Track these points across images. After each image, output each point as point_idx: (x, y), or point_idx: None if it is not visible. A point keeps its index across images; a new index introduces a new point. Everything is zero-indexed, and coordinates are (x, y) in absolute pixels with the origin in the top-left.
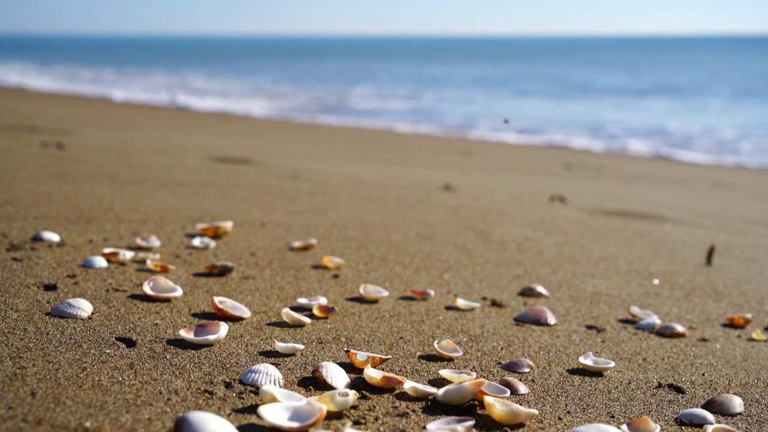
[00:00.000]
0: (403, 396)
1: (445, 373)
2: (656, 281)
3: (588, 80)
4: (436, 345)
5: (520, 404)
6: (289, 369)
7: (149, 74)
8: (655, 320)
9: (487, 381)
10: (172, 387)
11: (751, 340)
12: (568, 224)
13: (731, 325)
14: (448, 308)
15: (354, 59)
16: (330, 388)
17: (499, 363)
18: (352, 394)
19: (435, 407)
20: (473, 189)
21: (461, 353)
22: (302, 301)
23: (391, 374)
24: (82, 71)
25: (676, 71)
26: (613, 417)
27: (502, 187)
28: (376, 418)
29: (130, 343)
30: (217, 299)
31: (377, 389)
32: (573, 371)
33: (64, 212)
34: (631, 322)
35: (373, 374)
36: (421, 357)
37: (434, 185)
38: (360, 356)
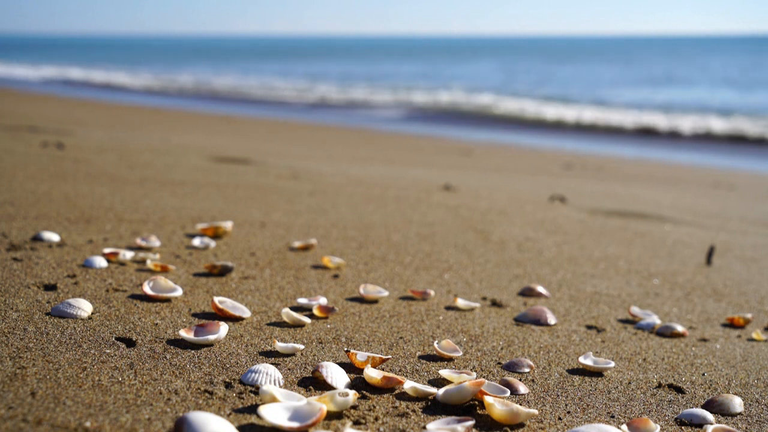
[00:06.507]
0: (403, 396)
1: (445, 373)
2: (656, 281)
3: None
4: (436, 345)
5: (520, 404)
6: (289, 369)
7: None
8: (655, 320)
9: (487, 381)
10: (172, 387)
11: (751, 340)
12: (568, 224)
13: (731, 325)
14: (448, 308)
15: (356, 59)
16: (330, 388)
17: (499, 363)
18: (352, 394)
19: (435, 407)
20: (473, 189)
21: (461, 353)
22: (302, 301)
23: (391, 374)
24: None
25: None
26: (613, 417)
27: (502, 187)
28: (376, 418)
29: (130, 343)
30: (217, 299)
31: (377, 389)
32: (573, 371)
33: (64, 212)
34: (631, 322)
35: (373, 374)
36: (421, 357)
37: (434, 185)
38: (360, 356)
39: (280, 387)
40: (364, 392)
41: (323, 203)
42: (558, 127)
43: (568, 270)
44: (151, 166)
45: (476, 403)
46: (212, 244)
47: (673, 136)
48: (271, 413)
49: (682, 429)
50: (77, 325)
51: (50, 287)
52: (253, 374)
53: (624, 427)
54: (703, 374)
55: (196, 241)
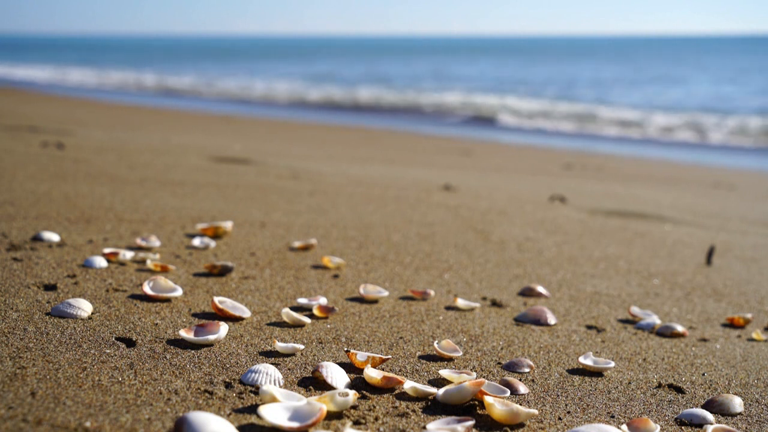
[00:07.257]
0: (403, 396)
1: (445, 373)
2: (656, 281)
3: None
4: (436, 345)
5: (520, 404)
6: (289, 369)
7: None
8: (655, 320)
9: (487, 381)
10: (172, 387)
11: (751, 340)
12: (568, 224)
13: (731, 325)
14: (448, 308)
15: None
16: (330, 388)
17: (499, 363)
18: (352, 394)
19: (435, 407)
20: (473, 189)
21: (461, 353)
22: (302, 301)
23: (391, 374)
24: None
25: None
26: (613, 417)
27: (502, 187)
28: (376, 418)
29: (130, 343)
30: (217, 299)
31: (377, 389)
32: (573, 371)
33: (64, 212)
34: (631, 322)
35: (373, 374)
36: (421, 357)
37: (434, 185)
38: (360, 356)
39: (280, 387)
40: (364, 392)
41: (323, 203)
42: (558, 126)
43: (568, 270)
44: (151, 166)
45: (476, 403)
46: (212, 244)
47: (674, 136)
48: (271, 413)
49: (682, 429)
50: (77, 325)
51: (50, 287)
52: (253, 374)
53: (624, 427)
54: (703, 374)
55: (196, 241)
